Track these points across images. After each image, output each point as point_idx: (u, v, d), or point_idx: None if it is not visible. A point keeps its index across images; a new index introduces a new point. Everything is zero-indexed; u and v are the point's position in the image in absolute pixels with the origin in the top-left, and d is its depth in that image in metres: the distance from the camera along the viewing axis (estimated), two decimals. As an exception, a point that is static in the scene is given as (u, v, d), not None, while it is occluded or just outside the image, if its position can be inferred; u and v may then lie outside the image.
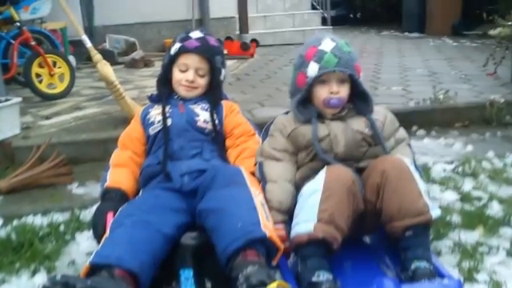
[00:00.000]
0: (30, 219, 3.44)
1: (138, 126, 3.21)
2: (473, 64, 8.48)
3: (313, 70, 2.80)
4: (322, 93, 2.82)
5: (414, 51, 10.64)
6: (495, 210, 3.37)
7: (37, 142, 4.47)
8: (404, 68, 8.42)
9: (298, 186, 2.75)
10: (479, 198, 3.56)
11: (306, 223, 2.46)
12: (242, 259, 2.30)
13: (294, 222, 2.55)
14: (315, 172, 2.65)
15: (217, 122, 3.10)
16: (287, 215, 2.69)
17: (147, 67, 8.87)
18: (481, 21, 8.90)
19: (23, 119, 5.29)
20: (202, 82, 3.18)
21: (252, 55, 9.91)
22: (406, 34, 14.18)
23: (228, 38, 10.19)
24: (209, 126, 3.09)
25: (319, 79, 2.80)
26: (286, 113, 3.04)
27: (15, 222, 3.41)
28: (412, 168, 2.64)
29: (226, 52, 3.55)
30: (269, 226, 2.46)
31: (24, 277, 2.77)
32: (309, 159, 2.82)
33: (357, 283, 2.53)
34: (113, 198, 2.88)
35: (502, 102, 5.46)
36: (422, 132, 5.20)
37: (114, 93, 5.25)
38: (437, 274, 2.42)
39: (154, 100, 3.25)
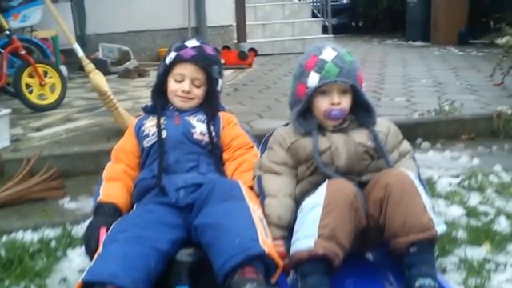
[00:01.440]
0: (19, 235, 3.45)
1: (131, 139, 3.21)
2: (479, 74, 8.52)
3: (313, 80, 2.80)
4: (322, 104, 2.82)
5: (418, 61, 10.69)
6: (502, 225, 3.38)
7: (27, 155, 4.47)
8: (408, 78, 8.45)
9: (297, 201, 2.75)
10: (486, 213, 3.57)
11: (306, 239, 2.46)
12: (239, 276, 2.29)
13: (293, 238, 2.55)
14: (316, 186, 2.65)
15: (214, 134, 3.10)
16: (287, 231, 2.69)
17: (141, 77, 8.89)
18: (487, 29, 8.95)
19: (13, 131, 5.30)
20: (199, 92, 3.18)
21: (250, 65, 9.93)
22: (410, 42, 14.25)
23: (225, 47, 10.22)
24: (205, 139, 3.08)
25: (320, 90, 2.81)
26: (286, 125, 3.04)
27: (4, 238, 3.41)
28: (416, 182, 2.64)
29: (223, 61, 3.55)
30: (268, 242, 2.45)
31: (13, 295, 2.78)
32: (309, 173, 2.82)
33: (359, 301, 2.54)
34: (106, 213, 2.87)
35: (510, 113, 5.48)
36: (426, 145, 5.22)
37: (107, 104, 5.26)
38: (442, 291, 2.42)
39: (149, 111, 3.25)
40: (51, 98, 6.56)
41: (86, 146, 4.90)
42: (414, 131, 5.22)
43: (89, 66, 5.35)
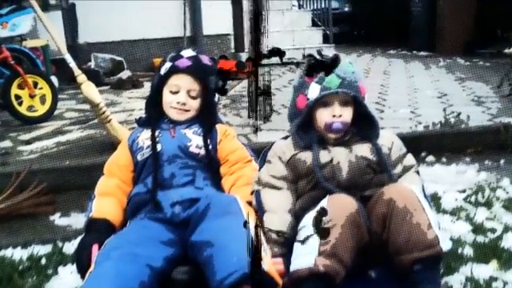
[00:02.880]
0: (8, 252, 3.45)
1: (125, 152, 3.22)
2: (486, 85, 8.52)
3: (314, 91, 2.81)
4: (323, 116, 2.83)
5: (422, 71, 10.70)
6: (510, 242, 3.37)
7: (16, 169, 4.47)
8: (412, 89, 8.46)
9: (298, 217, 2.75)
10: (493, 230, 3.57)
11: (306, 256, 2.46)
12: (237, 295, 2.30)
13: (293, 255, 2.55)
14: (316, 201, 2.65)
15: (210, 147, 3.10)
16: (286, 248, 2.70)
17: (135, 88, 8.90)
18: (495, 38, 8.96)
19: (2, 144, 5.32)
20: (195, 104, 3.18)
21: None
22: (415, 52, 14.25)
23: (222, 57, 10.21)
24: (202, 152, 3.08)
25: (321, 101, 2.81)
26: (285, 137, 3.04)
27: (-8, 255, 3.41)
28: (421, 197, 2.64)
29: (220, 72, 3.55)
30: (266, 260, 2.46)
31: (2, 315, 2.77)
32: (309, 187, 2.83)
33: (361, 321, 2.54)
34: (98, 230, 2.87)
35: (518, 125, 5.48)
36: (431, 158, 5.21)
37: (100, 116, 5.26)
38: (448, 311, 2.43)
39: (143, 124, 3.25)
40: (41, 110, 6.56)
41: (77, 159, 4.91)
42: (418, 144, 5.21)
43: (81, 76, 5.35)
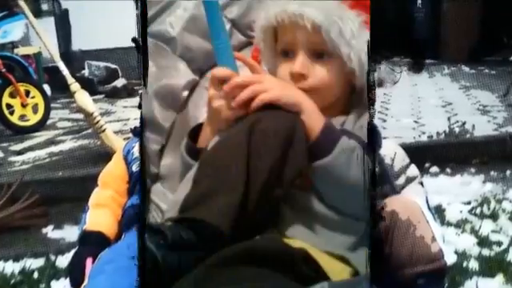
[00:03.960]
0: (-1, 266, 3.46)
1: (120, 163, 3.20)
2: (492, 93, 8.51)
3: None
4: (324, 125, 2.83)
5: (426, 79, 10.69)
6: (517, 255, 3.38)
7: (8, 180, 4.48)
8: (415, 98, 8.46)
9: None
10: (499, 243, 3.57)
11: (306, 270, 2.46)
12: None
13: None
14: (317, 213, 2.66)
15: (208, 157, 3.09)
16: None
17: (130, 97, 8.89)
18: (501, 45, 8.94)
19: (-8, 154, 5.32)
20: (192, 113, 3.18)
21: (247, 83, 9.91)
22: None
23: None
24: (199, 162, 3.08)
25: (321, 110, 2.82)
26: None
27: (-17, 269, 3.41)
28: (424, 209, 2.64)
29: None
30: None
31: (-7, 330, 2.78)
32: (310, 199, 2.83)
33: (363, 338, 2.53)
34: (92, 242, 2.86)
35: (525, 135, 5.48)
36: (435, 169, 5.21)
37: (94, 125, 5.27)
38: (452, 326, 2.43)
39: (138, 134, 3.25)
40: (34, 119, 6.57)
41: (71, 170, 4.91)
42: (422, 155, 5.20)
43: (74, 84, 5.36)
